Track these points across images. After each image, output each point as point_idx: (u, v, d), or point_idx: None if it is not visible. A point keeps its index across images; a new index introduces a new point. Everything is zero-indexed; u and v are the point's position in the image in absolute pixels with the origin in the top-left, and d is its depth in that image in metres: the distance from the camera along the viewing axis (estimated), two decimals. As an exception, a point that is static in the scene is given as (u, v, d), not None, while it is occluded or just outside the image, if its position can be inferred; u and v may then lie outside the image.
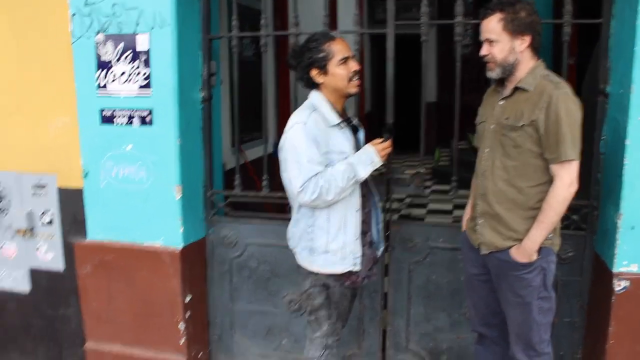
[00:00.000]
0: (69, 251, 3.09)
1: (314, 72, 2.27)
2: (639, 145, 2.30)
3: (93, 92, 2.85)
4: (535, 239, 2.12)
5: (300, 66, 2.29)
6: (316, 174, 2.18)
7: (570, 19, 2.54)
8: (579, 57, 4.32)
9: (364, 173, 2.26)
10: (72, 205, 3.04)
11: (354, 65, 2.28)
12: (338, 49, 2.24)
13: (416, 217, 2.69)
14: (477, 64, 2.42)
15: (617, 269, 2.40)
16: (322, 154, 2.22)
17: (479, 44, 2.22)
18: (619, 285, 2.39)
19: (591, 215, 2.62)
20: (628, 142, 2.30)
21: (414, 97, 7.55)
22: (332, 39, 2.26)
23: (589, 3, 2.81)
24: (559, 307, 2.38)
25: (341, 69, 2.25)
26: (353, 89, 2.30)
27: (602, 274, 2.52)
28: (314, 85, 2.32)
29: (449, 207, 5.98)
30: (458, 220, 2.56)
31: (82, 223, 3.03)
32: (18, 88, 3.03)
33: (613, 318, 2.42)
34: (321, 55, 2.23)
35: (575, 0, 2.55)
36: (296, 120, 2.25)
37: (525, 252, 2.14)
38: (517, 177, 2.16)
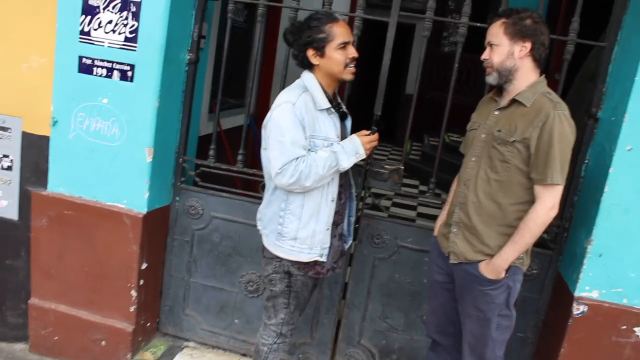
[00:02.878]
0: (25, 200, 2.94)
1: (310, 52, 2.19)
2: (622, 175, 2.30)
3: (75, 37, 2.69)
4: (506, 258, 2.09)
5: (297, 44, 2.21)
6: (297, 158, 2.11)
7: (575, 38, 2.50)
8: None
9: (347, 163, 2.20)
10: (35, 153, 2.88)
11: (352, 52, 2.21)
12: (339, 32, 2.16)
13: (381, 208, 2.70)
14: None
15: (578, 293, 2.42)
16: (306, 138, 2.15)
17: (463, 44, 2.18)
18: (578, 309, 2.41)
19: (561, 236, 2.63)
20: (612, 170, 2.30)
21: (392, 87, 7.53)
22: (335, 20, 2.18)
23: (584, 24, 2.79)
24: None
25: (339, 53, 2.17)
26: (348, 75, 2.23)
27: (562, 295, 2.54)
28: (308, 65, 2.24)
29: (413, 202, 5.97)
30: (423, 216, 2.53)
31: (43, 173, 2.88)
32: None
33: (567, 340, 2.44)
34: (321, 35, 2.15)
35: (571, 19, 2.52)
36: (285, 99, 2.16)
37: (494, 268, 2.11)
38: (499, 192, 2.12)
